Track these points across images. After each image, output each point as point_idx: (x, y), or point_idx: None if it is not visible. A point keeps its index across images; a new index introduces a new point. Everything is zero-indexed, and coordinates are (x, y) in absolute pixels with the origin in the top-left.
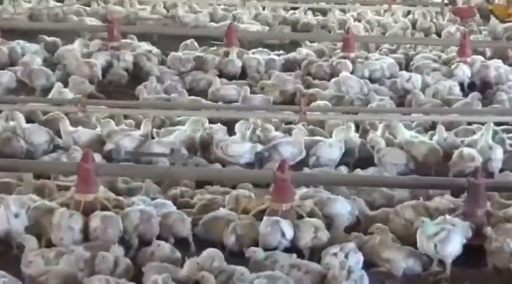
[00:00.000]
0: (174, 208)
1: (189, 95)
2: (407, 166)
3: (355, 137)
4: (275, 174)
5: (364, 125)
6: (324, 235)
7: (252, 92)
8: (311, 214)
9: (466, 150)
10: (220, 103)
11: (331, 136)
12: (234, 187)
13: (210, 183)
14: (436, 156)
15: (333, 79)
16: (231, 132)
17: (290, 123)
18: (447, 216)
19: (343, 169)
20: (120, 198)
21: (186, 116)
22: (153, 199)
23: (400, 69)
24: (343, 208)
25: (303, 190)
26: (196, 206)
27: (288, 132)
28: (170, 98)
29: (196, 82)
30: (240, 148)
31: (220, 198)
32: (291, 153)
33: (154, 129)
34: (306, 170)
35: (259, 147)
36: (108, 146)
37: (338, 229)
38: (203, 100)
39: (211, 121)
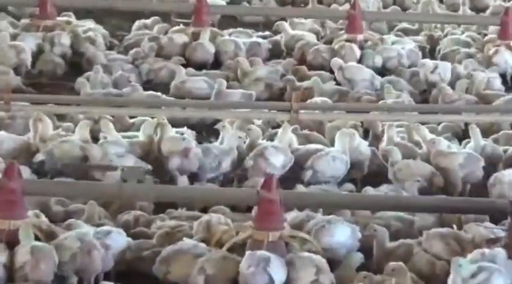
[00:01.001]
0: (125, 238)
1: (146, 90)
2: (432, 184)
3: (363, 145)
4: (259, 193)
5: (375, 129)
6: (328, 279)
7: (229, 86)
8: (307, 247)
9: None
10: (186, 99)
11: (332, 144)
12: (204, 211)
13: (173, 205)
14: None
15: (335, 69)
16: (201, 138)
17: (279, 126)
18: (486, 250)
19: (349, 187)
20: (53, 225)
21: (142, 116)
22: (98, 226)
23: (423, 57)
24: (348, 238)
25: (295, 214)
26: (155, 236)
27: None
28: (121, 93)
29: (155, 73)
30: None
31: (186, 225)
32: (281, 163)
33: (101, 134)
34: (300, 188)
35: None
36: (39, 156)
37: (345, 270)
38: (164, 96)
39: (175, 123)
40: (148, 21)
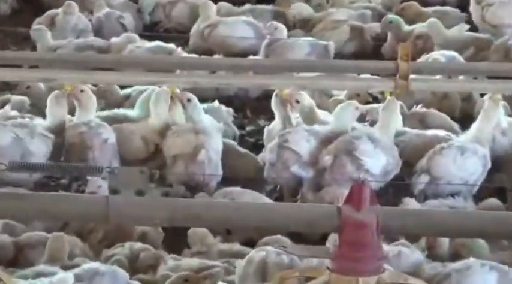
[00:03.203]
0: None
1: (150, 39)
2: None
3: None
4: (342, 212)
5: None
6: None
7: (289, 34)
8: None
9: None
10: (217, 56)
11: (462, 129)
12: (250, 243)
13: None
14: None
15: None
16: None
17: (375, 100)
18: None
19: (492, 204)
20: None
21: (142, 86)
22: (68, 268)
23: None
24: None
25: (401, 247)
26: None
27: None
28: (108, 46)
29: (165, 11)
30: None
31: (220, 267)
32: (382, 165)
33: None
34: (409, 204)
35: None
36: None
37: None
38: (180, 51)
39: (200, 95)
40: None
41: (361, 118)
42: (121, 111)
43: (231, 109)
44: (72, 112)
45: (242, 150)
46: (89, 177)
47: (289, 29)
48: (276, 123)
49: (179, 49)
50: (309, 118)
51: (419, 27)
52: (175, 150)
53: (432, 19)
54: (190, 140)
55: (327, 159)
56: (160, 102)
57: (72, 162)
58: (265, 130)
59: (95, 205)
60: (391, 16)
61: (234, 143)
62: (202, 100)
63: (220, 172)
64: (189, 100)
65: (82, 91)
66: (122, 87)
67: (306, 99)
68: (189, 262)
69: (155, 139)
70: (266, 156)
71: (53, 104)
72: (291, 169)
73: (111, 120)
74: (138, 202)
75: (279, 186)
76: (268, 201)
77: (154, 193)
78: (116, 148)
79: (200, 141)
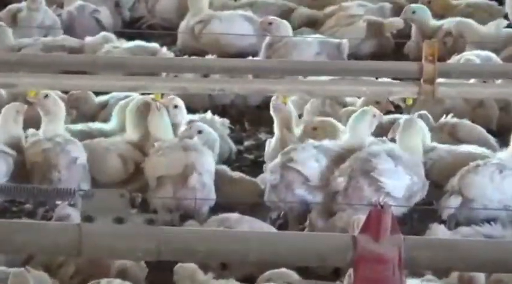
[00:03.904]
0: None
1: (130, 38)
2: None
3: None
4: (358, 243)
5: None
6: None
7: (296, 32)
8: None
9: None
10: (210, 57)
11: (502, 145)
12: (252, 280)
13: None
14: None
15: None
16: (241, 131)
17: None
18: None
19: None
20: None
21: (121, 92)
22: None
23: None
24: None
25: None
26: None
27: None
28: (81, 46)
29: (148, 3)
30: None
31: None
32: (405, 187)
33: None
34: (438, 231)
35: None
36: None
37: None
38: (166, 52)
39: (190, 103)
40: None
41: (380, 132)
42: (95, 125)
43: (226, 120)
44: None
45: (235, 174)
46: (58, 202)
47: (295, 25)
48: (276, 137)
49: (164, 49)
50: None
51: (448, 23)
52: (159, 171)
53: (464, 13)
54: (178, 159)
55: (340, 181)
56: (141, 112)
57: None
58: (267, 144)
59: (66, 235)
60: (415, 5)
61: (225, 168)
62: (192, 109)
63: (213, 195)
64: (175, 106)
65: (46, 97)
66: (97, 94)
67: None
68: None
69: (135, 157)
70: (267, 177)
71: (9, 117)
72: (295, 192)
73: (83, 135)
74: (116, 231)
75: (282, 212)
76: (271, 229)
77: (135, 221)
78: (86, 169)
79: (190, 160)
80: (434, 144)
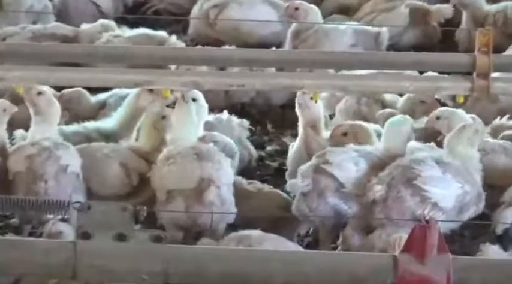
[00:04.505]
0: None
1: (133, 26)
2: None
3: None
4: (399, 263)
5: None
6: None
7: (329, 18)
8: None
9: None
10: (227, 47)
11: None
12: None
13: None
14: None
15: None
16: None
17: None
18: None
19: None
20: None
21: (123, 88)
22: None
23: None
24: None
25: None
26: None
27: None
28: (75, 35)
29: None
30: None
31: None
32: (455, 198)
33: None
34: (489, 252)
35: None
36: None
37: None
38: (175, 41)
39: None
40: None
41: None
42: (92, 124)
43: (246, 122)
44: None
45: (252, 187)
46: (49, 216)
47: (325, 11)
48: (300, 139)
49: (173, 38)
50: None
51: (505, 7)
52: (170, 183)
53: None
54: (192, 170)
55: (377, 190)
56: (148, 111)
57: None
58: (290, 148)
59: (59, 254)
60: None
61: (242, 180)
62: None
63: (233, 209)
64: (194, 100)
65: (40, 94)
66: (95, 91)
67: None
68: None
69: (140, 166)
70: (298, 182)
71: None
72: (328, 200)
73: (78, 138)
74: (117, 249)
75: (311, 229)
76: (298, 248)
77: (140, 238)
78: (80, 179)
79: (206, 171)
80: (490, 145)
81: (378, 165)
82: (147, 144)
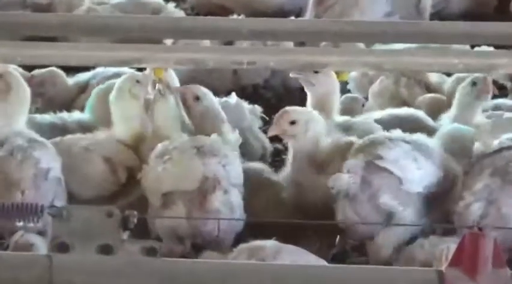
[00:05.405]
0: None
1: None
2: None
3: None
4: (444, 280)
5: None
6: None
7: None
8: None
9: None
10: (236, 17)
11: None
12: None
13: None
14: None
15: None
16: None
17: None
18: None
19: None
20: None
21: (111, 67)
22: None
23: None
24: None
25: None
26: None
27: None
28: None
29: None
30: None
31: None
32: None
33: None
34: None
35: None
36: None
37: None
38: (172, 10)
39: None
40: None
41: None
42: (71, 116)
43: (258, 108)
44: None
45: (274, 178)
46: (18, 223)
47: None
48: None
49: (171, 6)
50: None
51: None
52: (166, 185)
53: None
54: (193, 167)
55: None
56: (136, 96)
57: None
58: None
59: (31, 269)
60: None
61: (261, 167)
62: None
63: (242, 215)
64: (197, 98)
65: (1, 76)
66: (73, 71)
67: None
68: None
69: (128, 161)
70: (344, 179)
71: None
72: (379, 201)
73: (54, 131)
74: (101, 264)
75: (338, 237)
76: (320, 261)
77: (129, 250)
78: (62, 184)
79: (211, 168)
80: None
81: None
82: (125, 126)
